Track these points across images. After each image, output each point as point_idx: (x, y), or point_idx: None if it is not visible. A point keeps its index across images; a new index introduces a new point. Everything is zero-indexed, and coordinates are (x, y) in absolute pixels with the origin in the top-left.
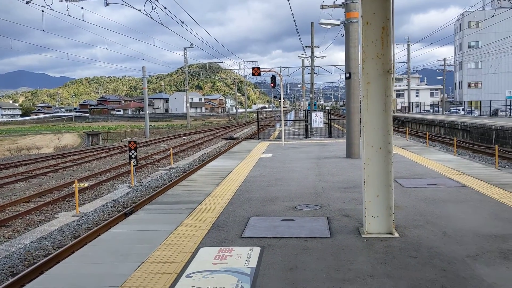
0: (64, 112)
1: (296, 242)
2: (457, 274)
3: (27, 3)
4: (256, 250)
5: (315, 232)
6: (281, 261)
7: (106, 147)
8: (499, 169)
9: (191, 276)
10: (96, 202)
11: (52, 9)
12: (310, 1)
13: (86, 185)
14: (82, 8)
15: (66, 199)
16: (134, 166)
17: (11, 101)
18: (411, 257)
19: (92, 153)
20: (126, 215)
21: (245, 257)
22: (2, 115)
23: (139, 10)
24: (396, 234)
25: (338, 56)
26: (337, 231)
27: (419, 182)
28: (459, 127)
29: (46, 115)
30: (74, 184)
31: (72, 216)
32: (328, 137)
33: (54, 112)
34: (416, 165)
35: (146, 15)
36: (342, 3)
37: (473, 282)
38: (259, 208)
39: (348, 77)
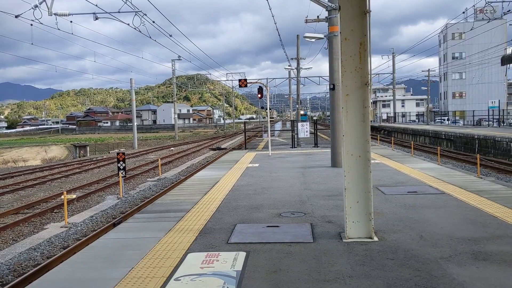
0: (50, 124)
1: (281, 247)
2: (430, 274)
3: (16, 17)
4: (242, 254)
5: (298, 237)
6: (266, 264)
7: (94, 159)
8: (481, 177)
9: (180, 280)
10: (84, 213)
11: (41, 23)
12: (298, 14)
13: (74, 196)
14: (71, 22)
15: (55, 211)
16: (122, 177)
17: None
18: (389, 259)
19: (79, 165)
20: (114, 225)
21: (231, 261)
22: None
23: (128, 24)
24: (376, 238)
25: (325, 67)
26: (320, 236)
27: (400, 189)
28: (443, 137)
29: (33, 127)
30: (62, 196)
31: (61, 227)
32: (314, 147)
33: (41, 125)
34: (399, 174)
35: (135, 29)
36: (326, 17)
37: (444, 280)
38: (246, 215)
39: (332, 88)
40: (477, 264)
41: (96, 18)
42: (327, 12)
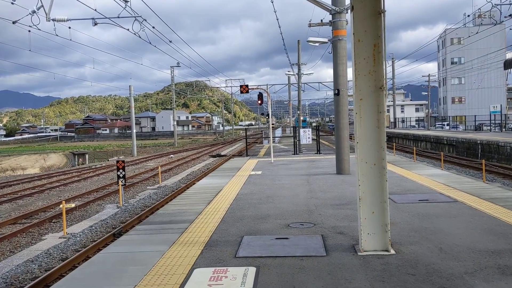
0: (49, 132)
1: (292, 261)
2: None
3: (13, 23)
4: (252, 270)
5: (310, 250)
6: (278, 281)
7: (93, 167)
8: (487, 183)
9: None
10: (83, 223)
11: (39, 29)
12: (299, 20)
13: (73, 205)
14: (69, 28)
15: (53, 221)
16: (122, 185)
17: None
18: (409, 274)
19: (78, 173)
20: (114, 235)
21: (241, 277)
22: None
23: (128, 30)
24: (392, 251)
25: (325, 72)
26: (333, 249)
27: (411, 197)
28: (445, 142)
29: (31, 135)
30: (61, 205)
31: (59, 237)
32: (317, 153)
33: (39, 132)
34: (406, 181)
35: (135, 34)
36: (330, 21)
37: None
38: (252, 226)
39: (337, 93)
40: (506, 279)
41: (95, 24)
42: (331, 16)
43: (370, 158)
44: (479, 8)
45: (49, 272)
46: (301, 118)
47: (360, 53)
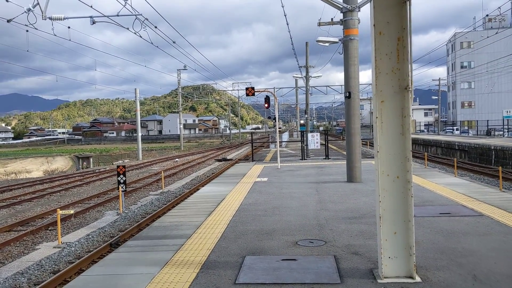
0: (57, 135)
1: None
2: None
3: (8, 21)
4: None
5: (322, 276)
6: None
7: (97, 171)
8: (503, 191)
9: None
10: (80, 231)
11: (36, 28)
12: (310, 24)
13: (71, 212)
14: (68, 27)
15: (49, 228)
16: (122, 191)
17: (3, 124)
18: None
19: (81, 177)
20: (111, 245)
21: None
22: None
23: (127, 28)
24: (418, 279)
25: (334, 76)
26: (348, 275)
27: (430, 210)
28: (457, 147)
29: (39, 138)
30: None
31: (54, 247)
32: (325, 158)
33: (47, 135)
34: (423, 190)
35: (135, 33)
36: (341, 20)
37: None
38: (255, 243)
39: (348, 96)
40: None
41: (94, 22)
42: (342, 14)
43: (393, 170)
44: (495, 12)
45: None
46: (302, 121)
47: (381, 48)
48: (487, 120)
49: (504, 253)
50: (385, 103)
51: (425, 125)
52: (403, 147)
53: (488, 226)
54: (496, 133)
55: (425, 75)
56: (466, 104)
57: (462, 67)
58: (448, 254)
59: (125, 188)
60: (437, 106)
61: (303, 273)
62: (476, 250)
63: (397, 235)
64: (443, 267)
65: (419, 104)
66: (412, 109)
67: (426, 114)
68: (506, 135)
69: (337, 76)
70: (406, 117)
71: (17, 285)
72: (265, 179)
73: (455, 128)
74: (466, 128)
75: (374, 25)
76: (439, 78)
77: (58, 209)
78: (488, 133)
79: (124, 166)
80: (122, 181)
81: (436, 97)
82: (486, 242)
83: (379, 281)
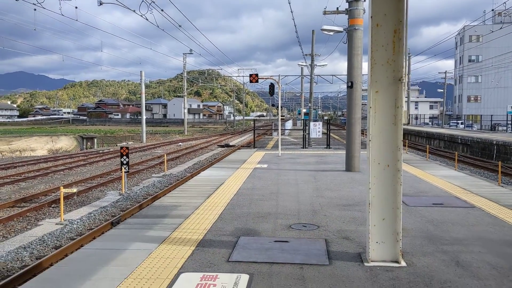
0: (62, 115)
1: (290, 270)
2: None
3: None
4: (244, 278)
5: (311, 257)
6: None
7: (100, 152)
8: (502, 186)
9: None
10: (82, 210)
11: (44, 7)
12: (319, 12)
13: (74, 190)
14: (76, 7)
15: (52, 205)
16: (125, 172)
17: (9, 102)
18: None
19: (85, 157)
20: (112, 224)
21: (231, 287)
22: None
23: (134, 11)
24: (403, 263)
25: (340, 66)
26: (337, 257)
27: (424, 200)
28: (459, 141)
29: (44, 117)
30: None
31: (56, 224)
32: (326, 148)
33: (52, 114)
34: (420, 182)
35: (141, 16)
36: (346, 9)
37: None
38: (251, 225)
39: (350, 86)
40: None
41: (101, 3)
42: (347, 3)
43: (384, 158)
44: (493, 9)
45: (38, 261)
46: (304, 110)
47: (378, 39)
48: (491, 115)
49: (489, 243)
50: (379, 93)
51: (430, 117)
52: (395, 136)
53: (478, 217)
54: (500, 128)
55: (433, 67)
56: (472, 98)
57: (470, 60)
58: (435, 241)
59: (128, 169)
60: (443, 99)
61: (294, 254)
62: (462, 239)
63: (385, 221)
64: (429, 254)
65: (425, 97)
66: (418, 102)
67: (431, 107)
68: (509, 130)
69: (344, 66)
70: (399, 108)
71: (19, 259)
72: (265, 165)
73: (459, 122)
74: (470, 122)
75: (371, 16)
76: (446, 71)
77: (62, 187)
78: (493, 128)
79: (127, 147)
80: (125, 162)
81: (442, 90)
82: (474, 233)
83: (366, 264)
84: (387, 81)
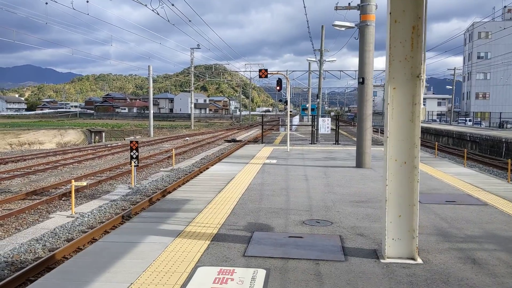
0: (69, 108)
1: (306, 265)
2: None
3: None
4: (261, 273)
5: (327, 253)
6: None
7: (109, 145)
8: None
9: None
10: (93, 203)
11: (55, 1)
12: (329, 7)
13: (85, 183)
14: (87, 1)
15: (63, 198)
16: (135, 166)
17: (17, 95)
18: None
19: (94, 151)
20: (123, 217)
21: (248, 281)
22: (7, 108)
23: (145, 5)
24: (419, 260)
25: (349, 61)
26: (352, 253)
27: (437, 198)
28: (468, 138)
29: (51, 110)
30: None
31: (67, 217)
32: (335, 143)
33: (60, 108)
34: (431, 178)
35: (153, 10)
36: (358, 5)
37: None
38: (264, 221)
39: (361, 82)
40: None
41: None
42: None
43: (401, 155)
44: (505, 6)
45: (51, 254)
46: (320, 106)
47: (396, 36)
48: (500, 113)
49: (504, 241)
50: (397, 90)
51: (437, 114)
52: (412, 133)
53: (491, 215)
54: (509, 125)
55: (442, 64)
56: (481, 95)
57: (478, 57)
58: (450, 239)
59: (137, 163)
60: (451, 96)
61: (309, 249)
62: (477, 237)
63: (401, 218)
64: (445, 251)
65: (433, 93)
66: (426, 98)
67: (439, 104)
68: None
69: (352, 61)
70: (416, 105)
71: (32, 251)
72: (274, 161)
73: (467, 119)
74: (479, 119)
75: (390, 13)
76: (454, 67)
77: (73, 180)
78: (501, 126)
79: (137, 142)
80: (134, 156)
81: (451, 87)
82: (488, 230)
83: (382, 260)
84: (404, 77)
